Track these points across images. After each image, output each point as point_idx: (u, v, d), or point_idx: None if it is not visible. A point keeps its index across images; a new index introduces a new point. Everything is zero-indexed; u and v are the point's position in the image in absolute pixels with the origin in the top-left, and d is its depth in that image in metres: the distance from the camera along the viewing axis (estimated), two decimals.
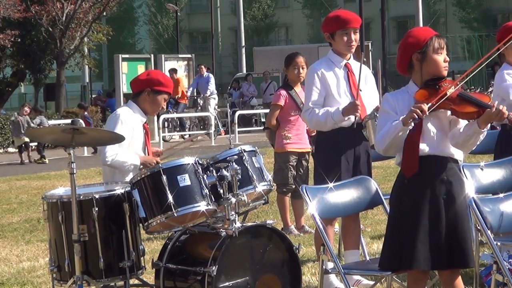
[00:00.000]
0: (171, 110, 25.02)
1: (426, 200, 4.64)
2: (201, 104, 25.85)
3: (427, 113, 4.53)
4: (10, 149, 23.16)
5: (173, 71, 25.52)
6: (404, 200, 4.72)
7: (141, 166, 6.12)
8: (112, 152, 6.05)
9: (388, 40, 42.11)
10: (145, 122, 6.32)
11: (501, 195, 4.95)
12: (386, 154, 4.84)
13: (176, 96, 25.19)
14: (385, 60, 32.91)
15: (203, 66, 26.45)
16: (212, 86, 25.94)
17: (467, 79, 4.76)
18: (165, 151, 6.67)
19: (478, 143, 4.63)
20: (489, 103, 4.58)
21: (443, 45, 4.70)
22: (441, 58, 4.70)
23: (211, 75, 26.40)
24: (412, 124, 4.55)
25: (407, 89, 4.76)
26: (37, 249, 8.89)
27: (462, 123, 4.67)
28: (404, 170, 4.72)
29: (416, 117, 4.51)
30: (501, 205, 4.89)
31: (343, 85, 6.31)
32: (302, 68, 8.55)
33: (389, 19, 50.47)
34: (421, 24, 35.41)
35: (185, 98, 25.84)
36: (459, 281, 4.73)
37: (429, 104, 4.55)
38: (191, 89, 26.55)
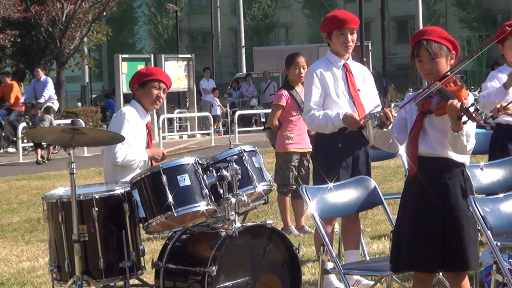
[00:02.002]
0: (1, 119, 22.07)
1: (425, 201, 4.63)
2: (39, 112, 21.37)
3: (392, 120, 4.56)
4: (10, 149, 23.14)
5: (5, 74, 23.54)
6: (406, 200, 4.73)
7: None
8: (122, 152, 6.04)
9: (388, 40, 42.11)
10: (148, 122, 6.32)
11: (501, 195, 4.94)
12: (379, 148, 4.90)
13: (6, 103, 22.61)
14: (385, 60, 32.92)
15: (39, 70, 22.79)
16: (48, 92, 21.79)
17: (452, 75, 4.68)
18: (169, 153, 6.63)
19: (467, 144, 4.52)
20: (460, 93, 4.53)
21: (423, 53, 4.65)
22: (420, 66, 4.69)
23: (49, 79, 22.56)
24: (384, 128, 4.60)
25: None
26: (37, 249, 8.89)
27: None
28: (408, 170, 4.76)
29: (381, 122, 4.55)
30: (501, 205, 4.88)
31: (342, 85, 6.31)
32: (303, 68, 8.54)
33: (389, 19, 50.46)
34: (421, 24, 35.43)
35: (18, 104, 22.60)
36: (466, 282, 4.73)
37: (398, 109, 4.59)
38: (24, 96, 23.10)
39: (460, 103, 4.46)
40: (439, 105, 4.57)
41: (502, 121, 6.71)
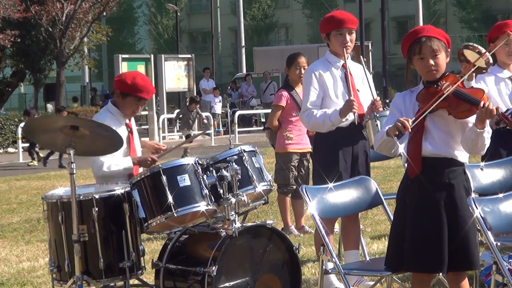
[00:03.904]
0: None
1: (427, 202, 4.61)
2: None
3: (410, 129, 4.48)
4: (10, 149, 23.14)
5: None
6: (407, 201, 4.70)
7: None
8: (107, 164, 6.00)
9: (388, 40, 42.09)
10: (129, 121, 6.22)
11: (501, 195, 4.93)
12: (380, 153, 4.84)
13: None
14: (385, 60, 32.92)
15: None
16: None
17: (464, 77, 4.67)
18: (165, 151, 6.58)
19: (486, 143, 4.54)
20: (482, 97, 4.52)
21: (425, 49, 4.60)
22: (422, 63, 4.63)
23: None
24: (396, 138, 4.53)
25: (417, 89, 4.72)
26: (37, 249, 8.89)
27: (471, 125, 4.60)
28: (408, 171, 4.72)
29: (397, 133, 4.49)
30: (501, 205, 4.88)
31: (340, 86, 6.30)
32: (304, 69, 8.53)
33: (389, 19, 50.45)
34: (421, 24, 35.40)
35: None
36: (466, 282, 4.72)
37: (413, 119, 4.50)
38: None
39: (495, 108, 4.45)
40: (461, 107, 4.52)
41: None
